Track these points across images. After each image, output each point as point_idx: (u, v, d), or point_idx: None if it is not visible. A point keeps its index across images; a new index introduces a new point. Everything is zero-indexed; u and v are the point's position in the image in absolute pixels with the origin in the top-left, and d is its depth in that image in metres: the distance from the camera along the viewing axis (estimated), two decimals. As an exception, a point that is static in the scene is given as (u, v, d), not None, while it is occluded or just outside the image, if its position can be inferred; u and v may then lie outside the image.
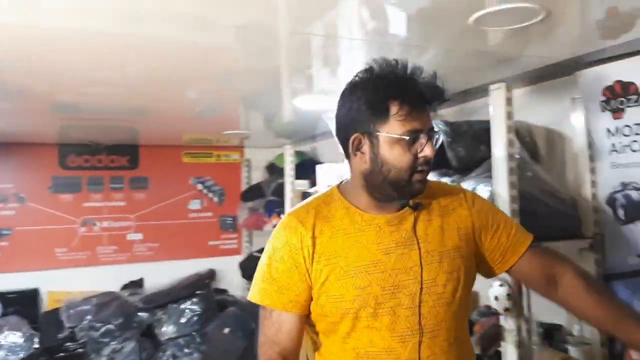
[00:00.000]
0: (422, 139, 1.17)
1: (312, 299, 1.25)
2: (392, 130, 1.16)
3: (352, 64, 2.04)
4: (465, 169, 2.16)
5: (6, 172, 4.03)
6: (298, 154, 3.84)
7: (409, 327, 1.18)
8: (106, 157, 4.30)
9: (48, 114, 3.00)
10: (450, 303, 1.21)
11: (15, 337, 3.48)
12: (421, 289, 1.19)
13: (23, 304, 3.87)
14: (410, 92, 1.16)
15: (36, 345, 3.51)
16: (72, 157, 4.20)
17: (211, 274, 4.35)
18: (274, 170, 4.22)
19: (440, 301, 1.20)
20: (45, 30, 1.61)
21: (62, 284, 4.02)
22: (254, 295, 1.30)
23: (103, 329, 3.52)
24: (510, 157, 1.81)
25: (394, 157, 1.17)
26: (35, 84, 2.26)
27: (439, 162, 2.22)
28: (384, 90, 1.17)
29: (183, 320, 3.73)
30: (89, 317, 3.57)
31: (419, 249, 1.21)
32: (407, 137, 1.16)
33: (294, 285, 1.24)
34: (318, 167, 3.24)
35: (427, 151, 1.18)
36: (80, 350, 3.47)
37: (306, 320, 1.29)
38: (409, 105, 1.16)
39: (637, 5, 1.43)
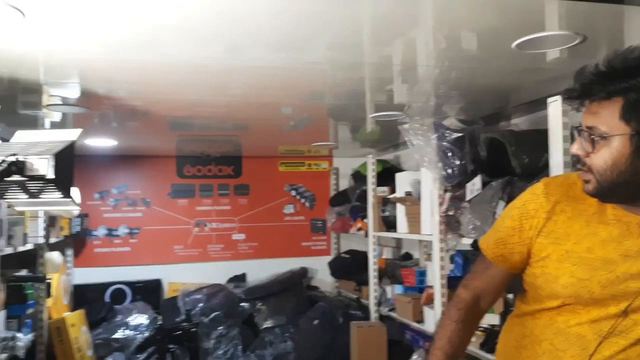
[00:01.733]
0: None
1: (527, 264, 1.23)
2: None
3: (426, 83, 2.26)
4: (529, 175, 2.26)
5: (135, 180, 4.45)
6: (381, 162, 3.91)
7: (612, 325, 1.10)
8: (215, 167, 4.63)
9: (167, 131, 3.40)
10: None
11: (142, 319, 3.95)
12: None
13: (148, 292, 4.29)
14: None
15: (159, 323, 3.96)
16: (187, 167, 4.57)
17: (303, 272, 4.51)
18: (359, 177, 4.27)
19: None
20: (163, 65, 1.91)
21: (179, 276, 4.40)
22: (482, 236, 1.34)
23: (212, 315, 3.87)
24: (566, 164, 1.88)
25: None
26: (156, 106, 2.63)
27: (503, 169, 2.39)
28: None
29: (279, 311, 3.99)
30: (200, 304, 3.95)
31: None
32: None
33: (510, 245, 1.23)
34: (397, 175, 3.38)
35: None
36: (194, 329, 3.84)
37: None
38: None
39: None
